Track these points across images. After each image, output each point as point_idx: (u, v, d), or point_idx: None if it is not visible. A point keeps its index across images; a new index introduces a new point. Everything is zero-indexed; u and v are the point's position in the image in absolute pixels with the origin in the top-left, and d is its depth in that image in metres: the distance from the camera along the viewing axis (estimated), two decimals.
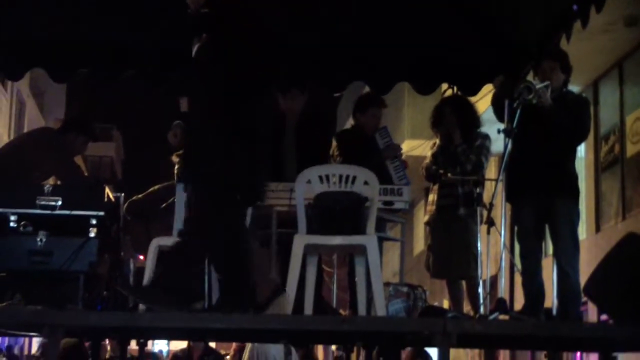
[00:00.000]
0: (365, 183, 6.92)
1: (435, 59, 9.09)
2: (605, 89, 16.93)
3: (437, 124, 8.34)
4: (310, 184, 6.97)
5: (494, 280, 8.54)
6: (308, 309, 6.92)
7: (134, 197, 9.05)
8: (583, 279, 6.70)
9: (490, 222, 7.00)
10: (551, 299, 7.28)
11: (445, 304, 12.32)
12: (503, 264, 6.90)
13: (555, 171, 7.14)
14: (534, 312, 6.99)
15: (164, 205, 8.38)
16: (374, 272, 6.70)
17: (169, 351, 27.35)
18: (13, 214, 7.05)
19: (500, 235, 7.04)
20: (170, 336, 11.19)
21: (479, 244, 7.59)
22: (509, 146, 6.82)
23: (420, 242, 26.07)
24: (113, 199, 8.26)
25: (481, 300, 7.51)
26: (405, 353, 12.04)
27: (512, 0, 7.92)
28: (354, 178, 6.95)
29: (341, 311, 8.15)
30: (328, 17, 8.33)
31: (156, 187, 9.06)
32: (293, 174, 7.43)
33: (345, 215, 6.86)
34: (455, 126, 8.14)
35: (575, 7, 7.47)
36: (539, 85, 6.95)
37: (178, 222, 6.79)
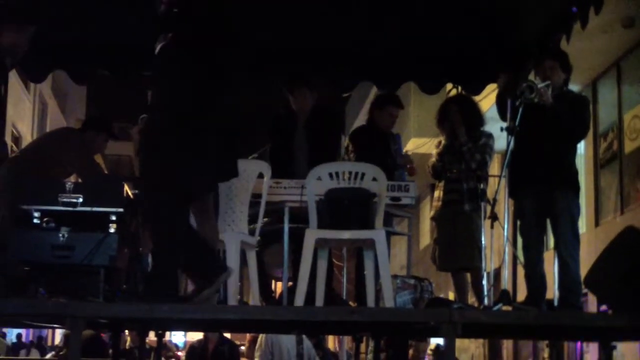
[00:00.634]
0: (374, 179, 6.92)
1: (440, 59, 9.08)
2: (604, 88, 16.89)
3: (443, 122, 8.34)
4: (320, 180, 6.98)
5: (498, 273, 8.53)
6: (319, 300, 6.92)
7: None
8: (583, 271, 6.70)
9: (494, 217, 7.01)
10: (552, 290, 7.27)
11: (451, 296, 12.31)
12: (506, 256, 6.89)
13: (556, 167, 7.13)
14: (536, 302, 6.98)
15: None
16: (382, 265, 6.70)
17: (186, 342, 27.40)
18: (36, 210, 7.06)
19: (503, 229, 7.05)
20: (186, 327, 11.20)
21: (482, 238, 7.58)
22: (512, 143, 6.82)
23: (426, 236, 26.06)
24: (132, 196, 8.28)
25: (485, 292, 7.51)
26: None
27: (514, 2, 7.90)
28: (363, 175, 6.96)
29: (351, 303, 8.15)
30: (336, 19, 8.32)
31: None
32: (304, 171, 7.43)
33: (354, 210, 6.86)
34: (461, 124, 8.13)
35: (574, 8, 7.47)
36: (540, 85, 6.95)
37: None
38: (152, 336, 9.73)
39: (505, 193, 7.21)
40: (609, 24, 13.71)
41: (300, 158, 8.02)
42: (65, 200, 7.07)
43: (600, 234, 15.47)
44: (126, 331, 11.72)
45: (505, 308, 6.60)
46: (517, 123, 6.81)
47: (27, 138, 27.92)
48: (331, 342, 19.61)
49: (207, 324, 8.31)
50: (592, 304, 13.61)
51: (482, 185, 7.93)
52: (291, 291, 7.07)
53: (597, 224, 16.74)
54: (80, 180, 7.97)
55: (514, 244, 7.94)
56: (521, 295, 7.41)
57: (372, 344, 8.91)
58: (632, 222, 10.31)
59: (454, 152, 8.12)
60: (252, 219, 6.92)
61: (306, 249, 6.71)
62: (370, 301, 6.90)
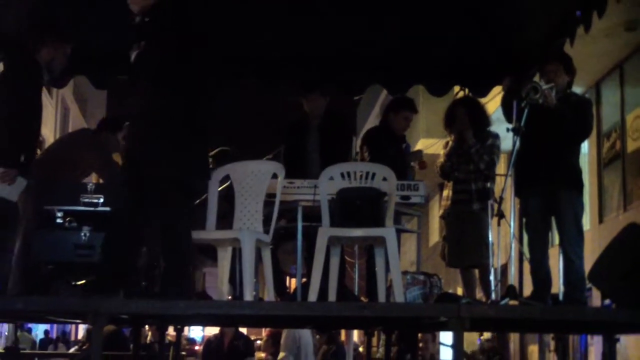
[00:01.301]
0: (384, 179, 6.92)
1: (448, 62, 9.08)
2: (607, 89, 16.86)
3: (450, 124, 8.33)
4: (332, 180, 6.98)
5: (504, 269, 8.52)
6: (332, 296, 6.93)
7: None
8: (587, 267, 6.69)
9: (501, 215, 6.99)
10: (558, 286, 7.26)
11: (459, 291, 12.30)
12: (513, 253, 6.89)
13: (560, 166, 7.12)
14: (542, 297, 6.97)
15: (196, 202, 8.41)
16: (392, 261, 6.70)
17: (203, 336, 27.43)
18: (59, 210, 7.10)
19: (510, 226, 7.04)
20: (204, 322, 11.22)
21: (490, 235, 7.58)
22: (517, 143, 6.81)
23: (435, 234, 26.04)
24: None
25: (492, 287, 7.50)
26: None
27: (519, 7, 7.89)
28: (374, 174, 6.95)
29: (362, 298, 8.15)
30: (346, 24, 8.33)
31: None
32: (316, 171, 7.43)
33: (365, 209, 6.85)
34: (468, 127, 8.12)
35: (578, 12, 7.45)
36: (544, 86, 6.93)
37: (211, 216, 6.80)
38: (171, 331, 9.74)
39: (511, 191, 7.20)
40: (612, 28, 13.69)
41: (313, 159, 8.03)
42: (86, 200, 7.11)
43: (604, 231, 15.43)
44: (146, 326, 11.75)
45: (512, 303, 6.60)
46: (522, 123, 6.80)
47: (50, 141, 28.01)
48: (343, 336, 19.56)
49: (224, 319, 8.33)
50: (596, 298, 13.57)
51: (489, 185, 7.93)
52: (305, 287, 7.07)
53: (600, 221, 16.71)
54: (101, 181, 7.99)
55: (520, 240, 7.93)
56: (527, 290, 7.40)
57: (384, 338, 8.91)
58: (634, 219, 10.29)
59: (462, 154, 8.11)
60: (267, 218, 6.93)
61: (319, 247, 6.70)
62: (381, 297, 6.90)
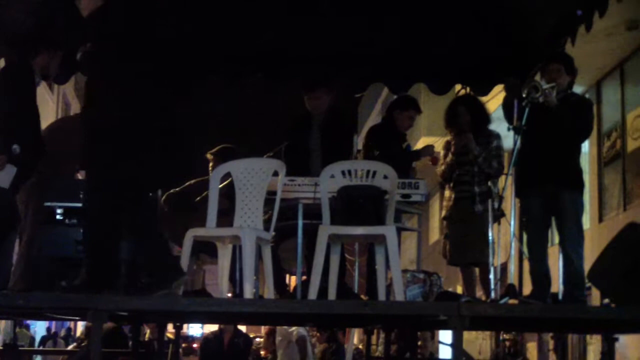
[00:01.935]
0: (385, 177, 6.92)
1: (450, 61, 9.09)
2: (608, 89, 16.87)
3: (451, 123, 8.33)
4: (333, 178, 6.98)
5: (504, 267, 8.53)
6: (332, 294, 6.93)
7: (171, 190, 9.08)
8: (587, 266, 6.70)
9: (501, 214, 6.99)
10: (557, 284, 7.27)
11: (459, 290, 12.31)
12: (512, 252, 6.89)
13: (561, 166, 7.12)
14: (541, 296, 6.98)
15: (198, 198, 8.42)
16: (392, 259, 6.70)
17: (202, 333, 27.44)
18: (59, 207, 7.11)
19: (510, 225, 7.04)
20: (203, 320, 11.24)
21: (490, 233, 7.58)
22: (518, 142, 6.82)
23: (435, 232, 26.05)
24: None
25: (492, 286, 7.51)
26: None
27: (520, 6, 7.89)
28: (374, 172, 6.95)
29: (362, 296, 8.16)
30: (348, 22, 8.34)
31: (192, 181, 9.11)
32: (318, 169, 7.44)
33: (366, 207, 6.86)
34: (469, 129, 8.09)
35: (579, 12, 7.46)
36: (545, 86, 6.94)
37: (211, 214, 6.80)
38: (170, 328, 9.74)
39: (512, 190, 7.21)
40: (613, 27, 13.68)
41: (315, 157, 8.03)
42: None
43: (604, 230, 15.44)
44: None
45: (511, 302, 6.61)
46: (523, 122, 6.81)
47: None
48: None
49: (223, 317, 8.34)
50: (595, 297, 13.59)
51: (492, 186, 7.93)
52: (305, 285, 7.08)
53: (600, 220, 16.72)
54: None
55: (520, 239, 7.94)
56: (527, 289, 7.41)
57: (383, 336, 8.92)
58: (634, 218, 10.30)
59: (467, 162, 8.09)
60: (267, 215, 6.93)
61: (319, 245, 6.71)
62: (381, 295, 6.90)
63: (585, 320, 6.40)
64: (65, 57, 8.12)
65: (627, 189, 15.94)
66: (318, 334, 12.49)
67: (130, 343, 9.34)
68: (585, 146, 15.40)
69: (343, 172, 6.99)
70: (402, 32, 8.54)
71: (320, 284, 6.72)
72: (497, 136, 8.16)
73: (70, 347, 15.25)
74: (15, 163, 6.54)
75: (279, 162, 7.05)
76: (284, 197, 6.97)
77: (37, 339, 25.57)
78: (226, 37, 8.58)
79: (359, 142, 8.67)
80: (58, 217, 7.13)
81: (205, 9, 8.07)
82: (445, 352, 13.42)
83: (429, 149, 8.54)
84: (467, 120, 8.16)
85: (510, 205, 7.21)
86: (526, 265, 7.45)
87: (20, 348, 10.85)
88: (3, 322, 11.71)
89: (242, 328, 12.85)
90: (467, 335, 5.59)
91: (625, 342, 13.73)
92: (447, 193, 8.32)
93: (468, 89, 9.38)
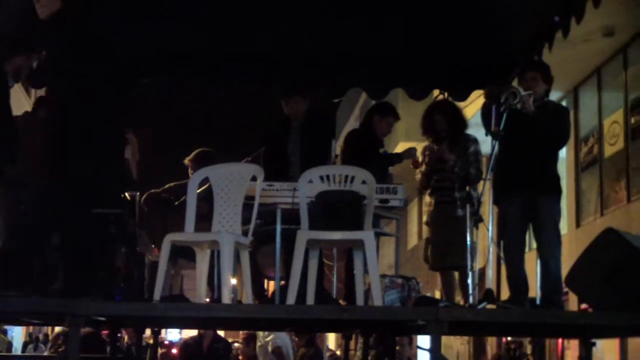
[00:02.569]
0: (363, 182, 6.92)
1: (428, 67, 9.10)
2: (585, 95, 16.95)
3: (428, 130, 8.34)
4: (312, 183, 6.97)
5: (482, 272, 8.54)
6: (310, 299, 6.92)
7: (152, 190, 9.07)
8: (564, 271, 6.72)
9: (479, 218, 7.00)
10: (535, 289, 7.28)
11: (438, 295, 12.32)
12: (490, 257, 6.90)
13: (539, 172, 7.16)
14: (519, 301, 6.99)
15: (177, 202, 8.41)
16: (371, 264, 6.70)
17: (181, 339, 27.32)
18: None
19: (488, 230, 7.05)
20: (181, 325, 11.20)
21: (469, 238, 7.58)
22: (496, 148, 6.83)
23: (413, 237, 26.07)
24: (129, 198, 8.26)
25: (470, 291, 7.52)
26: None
27: (498, 12, 7.91)
28: (353, 178, 6.95)
29: (341, 301, 8.15)
30: (328, 28, 8.33)
31: (172, 183, 9.09)
32: (296, 174, 7.44)
33: (344, 212, 6.86)
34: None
35: (556, 18, 7.49)
36: (523, 93, 6.96)
37: (189, 218, 6.78)
38: (148, 333, 9.71)
39: (490, 195, 7.22)
40: (590, 33, 13.76)
41: (293, 162, 8.03)
42: None
43: (581, 235, 15.51)
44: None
45: (489, 306, 6.62)
46: (501, 128, 6.82)
47: None
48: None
49: (202, 322, 8.31)
50: (572, 302, 13.66)
51: (472, 191, 7.94)
52: (283, 290, 7.06)
53: (578, 225, 16.80)
54: None
55: (498, 244, 7.96)
56: (505, 294, 7.42)
57: (361, 341, 8.91)
58: (611, 223, 10.35)
59: (445, 169, 8.09)
60: (246, 221, 6.92)
61: (298, 250, 6.70)
62: (360, 300, 6.90)
63: (563, 325, 6.42)
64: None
65: (605, 194, 16.02)
66: (297, 339, 12.46)
67: (108, 348, 9.30)
68: (563, 151, 15.47)
69: (321, 177, 6.99)
70: (381, 38, 8.54)
71: (298, 288, 6.71)
72: (475, 141, 8.16)
73: (45, 353, 15.15)
74: None
75: (257, 167, 7.05)
76: (262, 202, 6.96)
77: (15, 344, 25.41)
78: (203, 41, 8.57)
79: (337, 147, 8.67)
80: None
81: (186, 14, 8.05)
82: (423, 356, 13.43)
83: (411, 151, 8.55)
84: (444, 127, 8.17)
85: (489, 209, 7.22)
86: (504, 270, 7.47)
87: None
88: None
89: (221, 333, 12.82)
90: (445, 339, 5.60)
91: (602, 347, 13.79)
92: (427, 199, 8.33)
93: (446, 94, 9.39)
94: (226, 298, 6.40)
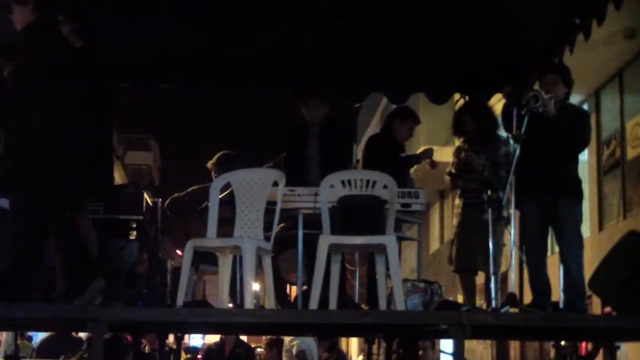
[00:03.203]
0: (385, 187, 6.91)
1: (448, 71, 9.09)
2: (606, 97, 16.87)
3: (458, 131, 8.31)
4: (333, 188, 6.97)
5: (505, 276, 8.51)
6: (332, 304, 6.92)
7: (175, 195, 9.09)
8: (587, 274, 6.68)
9: (507, 220, 6.98)
10: (557, 293, 7.25)
11: (460, 299, 12.28)
12: (513, 260, 6.88)
13: (560, 176, 7.13)
14: (542, 305, 6.96)
15: (200, 207, 8.41)
16: (393, 269, 6.69)
17: (204, 344, 27.36)
18: None
19: (510, 234, 7.03)
20: (204, 330, 11.21)
21: (493, 241, 7.53)
22: (518, 151, 6.81)
23: (435, 241, 26.02)
24: (151, 204, 8.28)
25: (493, 294, 7.49)
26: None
27: (519, 15, 7.89)
28: (374, 182, 6.95)
29: (363, 306, 8.15)
30: (347, 32, 8.34)
31: (195, 187, 9.11)
32: (317, 179, 7.44)
33: (366, 216, 6.85)
34: (474, 139, 8.05)
35: (577, 21, 7.46)
36: (544, 96, 6.94)
37: (211, 224, 6.79)
38: (171, 338, 9.72)
39: (512, 198, 7.19)
40: (611, 35, 13.68)
41: (314, 167, 8.03)
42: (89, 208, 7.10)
43: (604, 238, 15.42)
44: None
45: (512, 310, 6.59)
46: (523, 131, 6.80)
47: None
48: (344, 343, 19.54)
49: (224, 327, 8.32)
50: (596, 305, 13.56)
51: (501, 194, 7.89)
52: (305, 295, 7.07)
53: (600, 228, 16.71)
54: None
55: (521, 248, 7.93)
56: (527, 297, 7.39)
57: (384, 346, 8.90)
58: (634, 226, 10.30)
59: (473, 174, 8.06)
60: (268, 226, 6.93)
61: (320, 254, 6.70)
62: (382, 304, 6.89)
63: (586, 329, 6.38)
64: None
65: (627, 197, 15.93)
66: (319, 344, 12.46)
67: (131, 354, 9.32)
68: (585, 155, 15.41)
69: (343, 182, 6.99)
70: (401, 41, 8.54)
71: (320, 293, 6.71)
72: (506, 142, 8.04)
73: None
74: None
75: (279, 172, 7.05)
76: (284, 207, 6.97)
77: None
78: (221, 44, 8.58)
79: (358, 152, 8.66)
80: None
81: (198, 17, 8.06)
82: None
83: (428, 152, 8.55)
84: (473, 128, 8.14)
85: (511, 212, 7.19)
86: (527, 273, 7.44)
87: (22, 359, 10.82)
88: (4, 333, 11.63)
89: (244, 338, 12.84)
90: (468, 344, 5.58)
91: (627, 350, 13.71)
92: (456, 200, 8.31)
93: (467, 98, 9.38)
94: (248, 303, 6.41)
